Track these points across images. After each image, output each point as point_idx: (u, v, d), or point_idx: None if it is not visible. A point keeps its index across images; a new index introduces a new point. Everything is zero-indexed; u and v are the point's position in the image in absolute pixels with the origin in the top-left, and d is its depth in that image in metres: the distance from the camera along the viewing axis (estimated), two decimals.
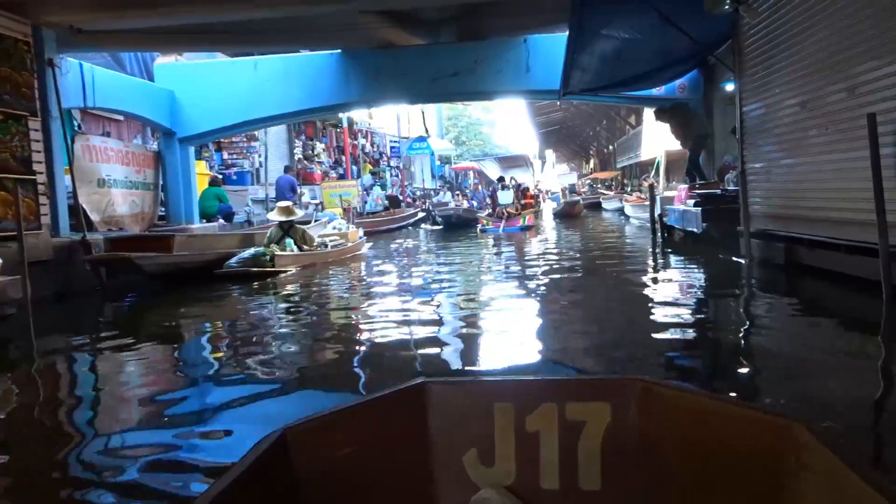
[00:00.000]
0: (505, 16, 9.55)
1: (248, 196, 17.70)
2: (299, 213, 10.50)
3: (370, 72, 11.10)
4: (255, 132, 20.64)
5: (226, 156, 19.83)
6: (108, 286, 8.16)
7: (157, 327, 5.95)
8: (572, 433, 1.36)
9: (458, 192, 18.36)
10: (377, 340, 4.74)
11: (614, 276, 7.62)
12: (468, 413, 1.42)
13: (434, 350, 4.24)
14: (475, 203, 17.59)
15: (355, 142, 28.99)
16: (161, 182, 11.48)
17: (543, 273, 7.97)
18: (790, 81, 6.03)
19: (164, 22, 8.35)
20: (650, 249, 10.37)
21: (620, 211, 20.69)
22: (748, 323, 4.77)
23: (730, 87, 9.46)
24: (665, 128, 19.44)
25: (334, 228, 11.71)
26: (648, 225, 14.83)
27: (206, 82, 11.31)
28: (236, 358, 4.47)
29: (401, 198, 24.16)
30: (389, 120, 27.95)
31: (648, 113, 19.88)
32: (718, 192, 8.68)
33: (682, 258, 8.79)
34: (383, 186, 26.02)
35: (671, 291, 6.41)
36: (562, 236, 14.78)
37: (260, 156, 20.46)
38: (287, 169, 17.58)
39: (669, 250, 9.73)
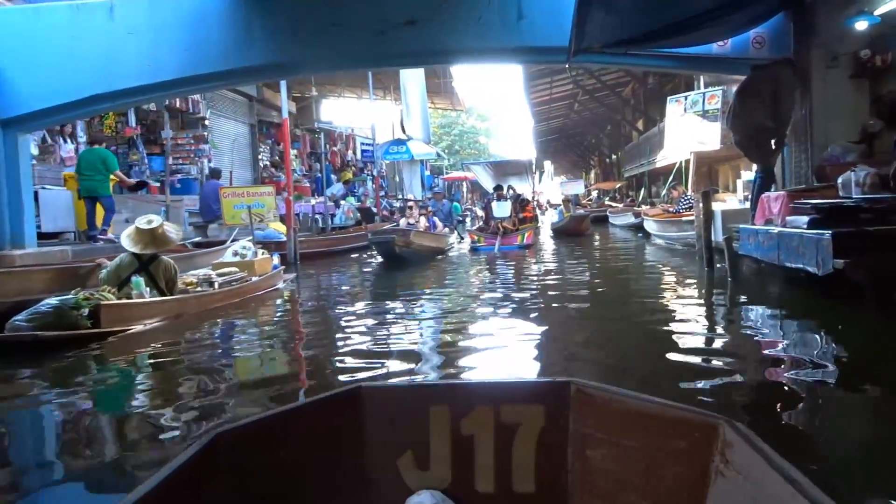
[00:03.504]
0: None
1: (185, 208, 14.16)
2: (175, 237, 6.57)
3: (284, 23, 7.33)
4: (205, 133, 17.28)
5: (169, 160, 16.36)
6: None
7: None
8: (507, 436, 1.38)
9: (410, 204, 14.07)
10: None
11: (672, 372, 3.79)
12: (404, 416, 1.42)
13: None
14: (437, 221, 13.56)
15: (335, 148, 25.76)
16: None
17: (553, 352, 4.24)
18: None
19: None
20: (710, 298, 6.53)
21: (635, 227, 16.97)
22: None
23: (861, 25, 5.71)
24: (692, 125, 15.97)
25: (235, 255, 7.91)
26: (678, 247, 11.16)
27: (38, 37, 7.49)
28: None
29: (375, 210, 20.55)
30: (367, 121, 24.36)
31: (672, 110, 16.24)
32: (851, 202, 4.94)
33: (787, 322, 4.96)
34: (358, 198, 22.54)
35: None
36: (569, 265, 10.95)
37: (210, 161, 16.95)
38: (214, 173, 13.86)
39: (744, 300, 5.92)
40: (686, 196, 13.05)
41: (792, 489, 0.96)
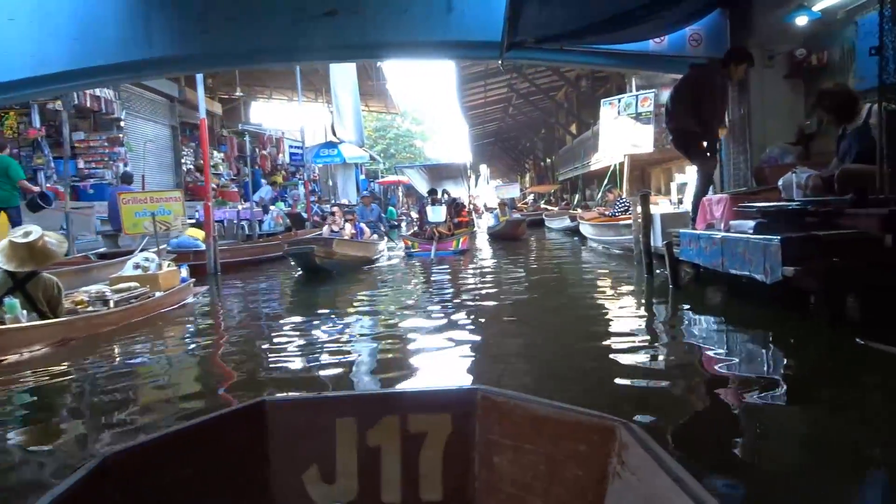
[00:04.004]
0: None
1: (96, 215, 13.05)
2: (59, 250, 5.67)
3: (186, 12, 6.64)
4: (120, 135, 16.14)
5: (81, 164, 15.18)
6: None
7: None
8: (414, 445, 1.37)
9: (333, 210, 13.32)
10: None
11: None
12: (309, 430, 1.40)
13: None
14: (365, 227, 12.93)
15: (264, 151, 24.77)
16: None
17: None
18: None
19: None
20: (649, 306, 6.20)
21: (571, 231, 16.79)
22: None
23: (801, 20, 5.49)
24: (626, 128, 15.89)
25: (136, 267, 7.11)
26: (616, 252, 10.92)
27: None
28: None
29: (306, 216, 19.72)
30: (298, 124, 23.49)
31: (606, 112, 16.13)
32: (797, 206, 4.68)
33: (730, 332, 4.65)
34: (288, 203, 21.67)
35: None
36: (505, 271, 10.56)
37: (126, 164, 15.82)
38: (125, 178, 12.84)
39: (686, 308, 5.60)
40: (621, 199, 12.89)
41: (678, 488, 0.98)
